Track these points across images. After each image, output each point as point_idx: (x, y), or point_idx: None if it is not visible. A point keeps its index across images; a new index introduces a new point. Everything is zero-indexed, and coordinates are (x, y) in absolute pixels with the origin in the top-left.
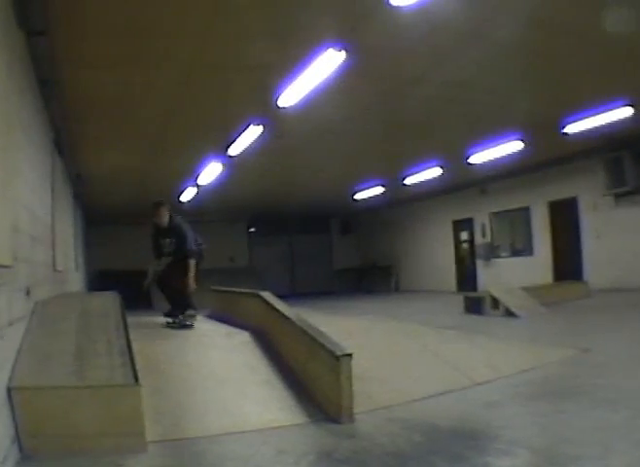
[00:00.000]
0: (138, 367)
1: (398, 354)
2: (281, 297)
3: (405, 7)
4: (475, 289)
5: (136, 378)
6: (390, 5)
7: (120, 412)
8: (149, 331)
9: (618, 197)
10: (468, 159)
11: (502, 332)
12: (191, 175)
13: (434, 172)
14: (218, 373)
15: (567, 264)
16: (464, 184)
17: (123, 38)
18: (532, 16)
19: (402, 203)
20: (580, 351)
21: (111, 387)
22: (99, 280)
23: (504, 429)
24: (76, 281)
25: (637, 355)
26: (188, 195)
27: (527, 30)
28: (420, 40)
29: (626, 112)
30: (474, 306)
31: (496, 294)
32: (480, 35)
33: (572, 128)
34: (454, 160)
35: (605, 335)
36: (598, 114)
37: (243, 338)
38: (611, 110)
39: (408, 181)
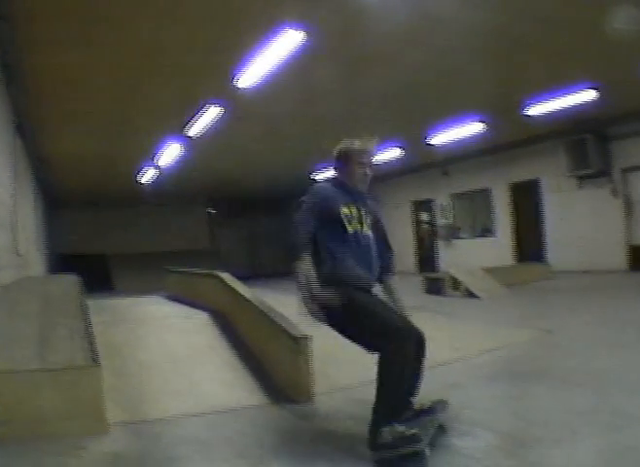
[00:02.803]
0: (99, 350)
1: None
2: (242, 278)
3: None
4: (435, 270)
5: (97, 361)
6: None
7: (81, 394)
8: (110, 314)
9: (581, 179)
10: (428, 140)
11: (463, 313)
12: (150, 157)
13: (394, 153)
14: (178, 355)
15: (529, 245)
16: (425, 165)
17: (82, 22)
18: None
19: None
20: (543, 333)
21: (72, 370)
22: (61, 264)
23: (466, 410)
24: (38, 265)
25: (600, 337)
26: (147, 176)
27: (490, 14)
28: (382, 22)
29: (590, 95)
30: (434, 287)
31: (456, 275)
32: (442, 19)
33: (534, 111)
34: (414, 141)
35: (568, 316)
36: (561, 97)
37: (203, 319)
38: (575, 93)
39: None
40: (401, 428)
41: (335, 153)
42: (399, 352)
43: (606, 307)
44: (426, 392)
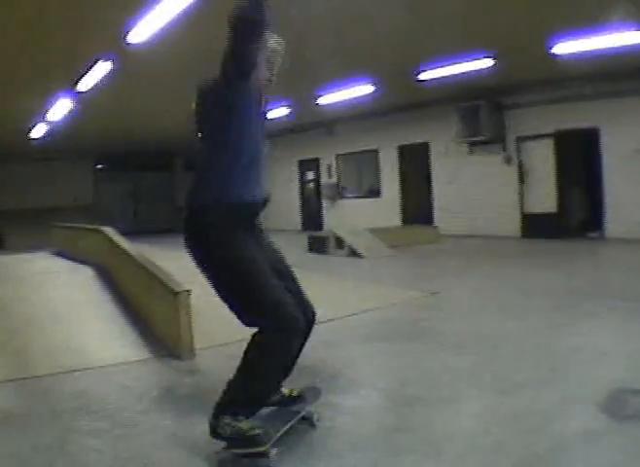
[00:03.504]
0: None
1: None
2: (125, 234)
3: None
4: (320, 229)
5: None
6: None
7: None
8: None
9: (472, 145)
10: (316, 100)
11: (345, 271)
12: (41, 112)
13: (281, 112)
14: (61, 310)
15: (417, 209)
16: (311, 124)
17: None
18: None
19: None
20: (426, 295)
21: None
22: None
23: (345, 369)
24: None
25: (483, 301)
26: (38, 132)
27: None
28: None
29: (486, 63)
30: (318, 246)
31: (340, 234)
32: None
33: (427, 76)
34: (302, 100)
35: (453, 279)
36: (456, 64)
37: (87, 274)
38: (470, 61)
39: None
40: (244, 425)
41: None
42: (283, 344)
43: (493, 272)
44: (305, 353)
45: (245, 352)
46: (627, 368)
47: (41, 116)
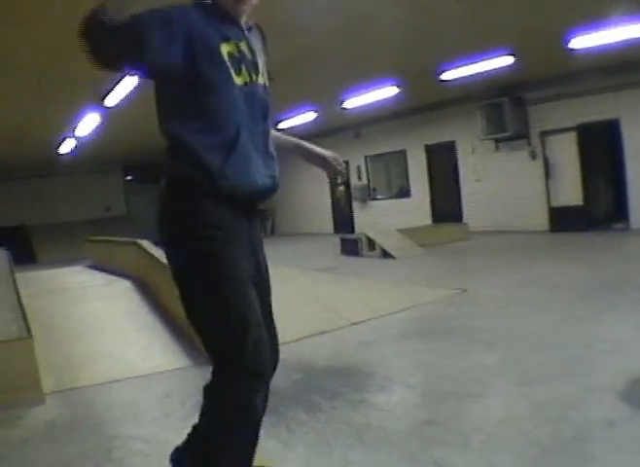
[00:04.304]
0: (29, 320)
1: (273, 298)
2: (156, 244)
3: None
4: (352, 231)
5: (29, 333)
6: None
7: (16, 366)
8: (35, 285)
9: (498, 142)
10: (343, 104)
11: (378, 273)
12: (69, 127)
13: (308, 117)
14: (102, 322)
15: (446, 206)
16: (338, 128)
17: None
18: None
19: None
20: (456, 292)
21: (6, 342)
22: None
23: (380, 367)
24: None
25: (512, 296)
26: (67, 147)
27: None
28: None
29: (507, 61)
30: (350, 248)
31: (372, 235)
32: None
33: (449, 75)
34: (328, 105)
35: (482, 276)
36: (477, 62)
37: (124, 286)
38: (491, 59)
39: (283, 125)
40: None
41: None
42: (236, 402)
43: (522, 267)
44: (338, 351)
45: (201, 409)
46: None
47: (70, 131)
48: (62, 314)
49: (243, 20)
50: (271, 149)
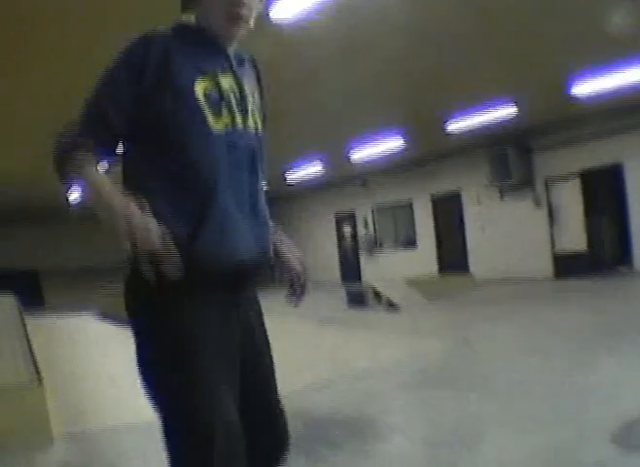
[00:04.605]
0: (40, 366)
1: (278, 348)
2: None
3: (284, 22)
4: (359, 280)
5: (40, 379)
6: (271, 19)
7: (27, 410)
8: (46, 333)
9: (503, 190)
10: (349, 155)
11: (383, 324)
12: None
13: (314, 168)
14: (112, 369)
15: (452, 256)
16: (345, 178)
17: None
18: (410, 26)
19: (283, 198)
20: (459, 342)
21: (18, 388)
22: None
23: (381, 416)
24: None
25: (513, 344)
26: (75, 194)
27: (406, 40)
28: (300, 50)
29: (510, 110)
30: (356, 299)
31: (378, 287)
32: (356, 48)
33: (454, 127)
34: (335, 155)
35: (485, 326)
36: (481, 112)
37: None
38: (495, 109)
39: (291, 179)
40: None
41: None
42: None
43: (524, 315)
44: (340, 400)
45: None
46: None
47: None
48: (73, 361)
49: (232, 49)
50: (262, 210)
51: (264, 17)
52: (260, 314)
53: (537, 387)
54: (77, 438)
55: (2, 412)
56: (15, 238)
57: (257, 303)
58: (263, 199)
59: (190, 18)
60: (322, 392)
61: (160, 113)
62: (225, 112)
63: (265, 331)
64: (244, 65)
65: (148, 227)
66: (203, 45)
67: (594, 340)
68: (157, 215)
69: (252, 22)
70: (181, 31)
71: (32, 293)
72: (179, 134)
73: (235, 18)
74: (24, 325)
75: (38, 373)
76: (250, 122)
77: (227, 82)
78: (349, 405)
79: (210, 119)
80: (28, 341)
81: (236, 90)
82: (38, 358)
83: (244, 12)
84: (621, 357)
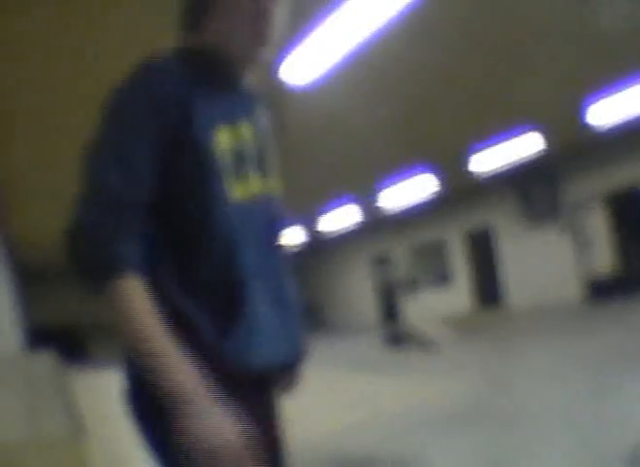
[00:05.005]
0: (86, 417)
1: (313, 391)
2: None
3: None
4: (397, 322)
5: (83, 433)
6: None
7: (71, 464)
8: (92, 387)
9: (532, 220)
10: (380, 197)
11: (419, 364)
12: None
13: (348, 210)
14: None
15: (487, 290)
16: (379, 220)
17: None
18: (427, 66)
19: (321, 249)
20: (491, 379)
21: (61, 441)
22: (37, 335)
23: (420, 456)
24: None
25: (540, 376)
26: None
27: (425, 87)
28: (317, 109)
29: (535, 140)
30: (393, 340)
31: (415, 327)
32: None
33: (481, 162)
34: (367, 202)
35: (516, 358)
36: (506, 144)
37: None
38: (518, 137)
39: (325, 229)
40: None
41: None
42: None
43: (552, 346)
44: (375, 442)
45: None
46: None
47: None
48: (117, 412)
49: (246, 82)
50: (290, 296)
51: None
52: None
53: (558, 418)
54: None
55: (46, 465)
56: (58, 294)
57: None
58: (289, 283)
59: (193, 40)
60: (357, 432)
61: (177, 180)
62: (249, 175)
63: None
64: (256, 103)
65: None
66: (219, 78)
67: (618, 367)
68: (176, 309)
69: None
70: (189, 60)
71: (76, 348)
72: (198, 210)
73: (262, 36)
74: (67, 380)
75: (83, 426)
76: (272, 183)
77: (247, 132)
78: (386, 444)
79: (234, 186)
80: (72, 395)
81: (254, 144)
82: (84, 411)
83: (270, 30)
84: None
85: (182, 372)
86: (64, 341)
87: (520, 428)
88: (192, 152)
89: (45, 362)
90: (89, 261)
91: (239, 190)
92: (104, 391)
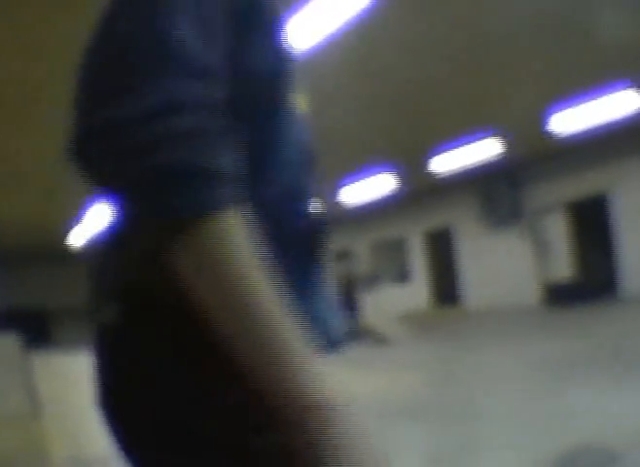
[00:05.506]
0: (45, 397)
1: None
2: None
3: None
4: (354, 317)
5: (40, 410)
6: None
7: (28, 438)
8: (52, 368)
9: (492, 223)
10: (342, 193)
11: (373, 359)
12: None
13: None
14: None
15: (446, 289)
16: (339, 216)
17: None
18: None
19: None
20: (443, 375)
21: (19, 417)
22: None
23: None
24: None
25: (491, 373)
26: (83, 236)
27: (390, 86)
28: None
29: (496, 144)
30: (349, 334)
31: (371, 323)
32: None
33: (443, 162)
34: (329, 196)
35: (472, 360)
36: (469, 147)
37: None
38: (479, 140)
39: None
40: None
41: None
42: None
43: (507, 346)
44: None
45: None
46: (596, 428)
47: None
48: (76, 391)
49: None
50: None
51: None
52: None
53: (502, 414)
54: (75, 463)
55: (6, 439)
56: (24, 279)
57: None
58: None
59: None
60: None
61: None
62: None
63: None
64: None
65: None
66: None
67: (569, 369)
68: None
69: None
70: None
71: (40, 332)
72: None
73: None
74: (29, 362)
75: (39, 405)
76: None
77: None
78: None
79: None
80: (32, 376)
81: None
82: (43, 388)
83: None
84: (590, 386)
85: (289, 325)
86: (29, 324)
87: (465, 425)
88: (272, 45)
89: (8, 345)
90: (182, 178)
91: (301, 101)
92: (66, 374)
